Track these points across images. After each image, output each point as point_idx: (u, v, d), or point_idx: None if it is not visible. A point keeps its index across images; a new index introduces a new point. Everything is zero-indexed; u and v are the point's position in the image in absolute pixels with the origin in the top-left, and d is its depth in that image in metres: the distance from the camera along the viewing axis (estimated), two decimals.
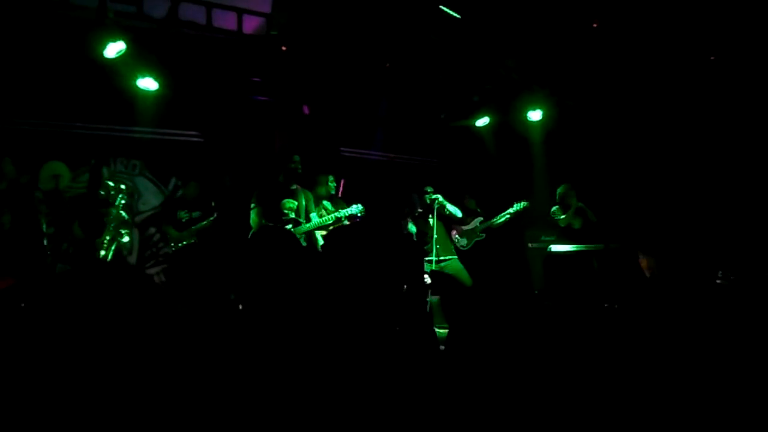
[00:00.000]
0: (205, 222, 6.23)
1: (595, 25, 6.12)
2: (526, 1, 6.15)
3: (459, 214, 6.32)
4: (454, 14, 5.88)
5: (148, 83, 5.91)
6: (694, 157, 6.98)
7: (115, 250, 5.48)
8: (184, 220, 6.22)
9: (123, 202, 5.63)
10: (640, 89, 7.12)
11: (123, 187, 5.74)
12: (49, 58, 5.77)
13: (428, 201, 6.12)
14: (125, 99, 6.31)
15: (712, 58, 6.38)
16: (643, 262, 5.99)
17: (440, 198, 6.08)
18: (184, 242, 6.18)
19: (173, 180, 7.36)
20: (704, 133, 6.88)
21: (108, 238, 5.47)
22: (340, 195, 6.48)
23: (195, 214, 6.29)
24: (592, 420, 2.09)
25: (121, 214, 5.57)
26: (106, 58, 5.45)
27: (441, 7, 5.87)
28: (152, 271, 7.11)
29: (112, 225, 5.51)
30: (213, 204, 6.34)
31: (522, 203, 6.95)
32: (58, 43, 5.57)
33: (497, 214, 7.01)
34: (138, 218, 7.00)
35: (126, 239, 5.60)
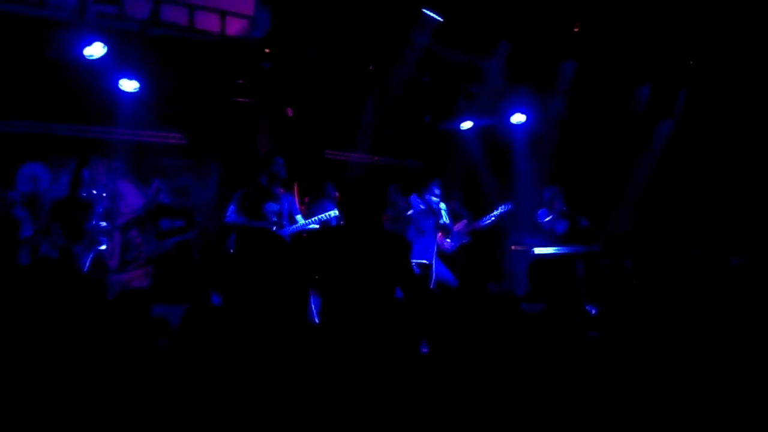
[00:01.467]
0: (185, 233, 6.12)
1: (576, 30, 6.17)
2: (509, 5, 6.19)
3: (450, 227, 6.43)
4: (437, 17, 5.90)
5: (129, 84, 5.85)
6: (679, 159, 7.06)
7: (93, 258, 5.40)
8: (165, 229, 6.11)
9: (101, 210, 5.54)
10: (624, 91, 7.19)
11: (104, 195, 5.66)
12: (29, 58, 5.69)
13: (433, 204, 6.20)
14: (106, 100, 6.25)
15: (691, 62, 6.47)
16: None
17: (443, 207, 6.20)
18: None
19: (155, 182, 7.28)
20: (690, 136, 6.96)
21: (85, 245, 5.38)
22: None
23: (177, 224, 6.19)
24: (574, 421, 2.10)
25: (99, 224, 5.48)
26: (87, 59, 5.40)
27: (424, 10, 5.89)
28: (133, 275, 7.03)
29: (90, 232, 5.42)
30: (196, 219, 6.24)
31: (506, 206, 6.98)
32: (37, 44, 5.50)
33: (481, 217, 7.04)
34: (119, 221, 6.93)
35: (104, 246, 5.51)
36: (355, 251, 2.97)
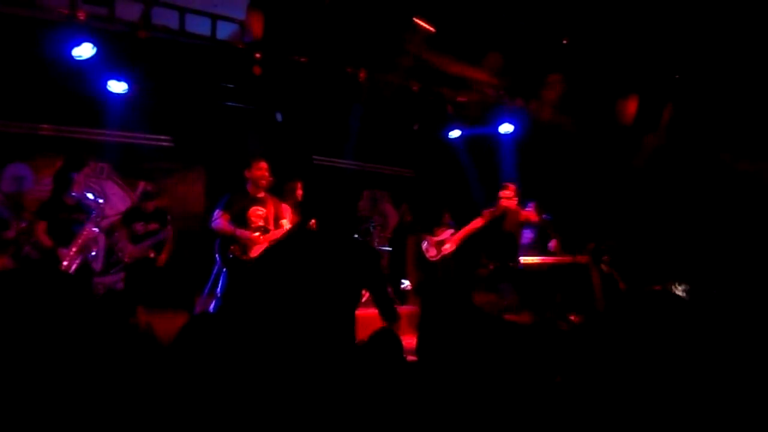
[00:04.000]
0: (158, 234, 6.06)
1: (565, 42, 6.25)
2: (500, 17, 6.25)
3: None
4: (429, 27, 5.94)
5: (118, 86, 5.82)
6: (665, 171, 7.12)
7: (80, 263, 5.32)
8: (140, 234, 6.02)
9: (95, 215, 5.46)
10: (611, 102, 7.27)
11: (101, 201, 5.59)
12: (16, 57, 5.64)
13: None
14: (94, 101, 6.20)
15: (677, 76, 6.56)
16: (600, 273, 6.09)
17: None
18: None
19: (142, 185, 7.24)
20: (676, 146, 7.03)
21: (75, 249, 5.28)
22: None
23: (152, 226, 6.10)
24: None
25: (93, 230, 5.40)
26: (76, 60, 5.36)
27: (415, 20, 5.92)
28: (118, 277, 6.96)
29: (82, 238, 5.33)
30: (169, 218, 6.17)
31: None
32: (25, 43, 5.46)
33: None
34: (104, 223, 6.87)
35: (93, 253, 5.44)
36: (320, 259, 2.95)
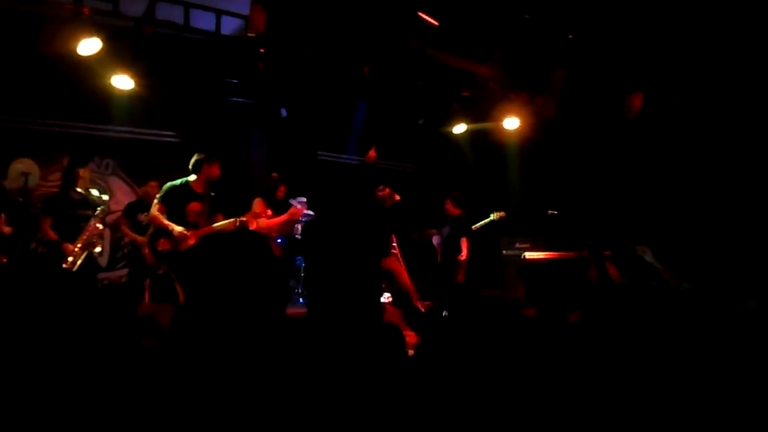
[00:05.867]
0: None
1: (570, 37, 6.22)
2: (504, 11, 6.23)
3: None
4: (433, 21, 5.92)
5: (123, 82, 5.83)
6: (669, 165, 7.09)
7: (85, 259, 5.32)
8: (144, 224, 6.04)
9: (100, 211, 5.46)
10: (615, 97, 7.23)
11: (105, 197, 5.60)
12: (21, 53, 5.66)
13: None
14: (99, 97, 6.22)
15: (683, 71, 6.52)
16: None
17: None
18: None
19: (147, 180, 7.25)
20: (679, 142, 7.00)
21: (80, 245, 5.29)
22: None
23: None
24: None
25: (97, 226, 5.40)
26: (81, 55, 5.37)
27: (419, 13, 5.91)
28: (123, 272, 7.00)
29: (87, 233, 5.33)
30: None
31: (498, 213, 7.03)
32: (31, 39, 5.47)
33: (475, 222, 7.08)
34: (109, 218, 6.89)
35: (98, 249, 5.45)
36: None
